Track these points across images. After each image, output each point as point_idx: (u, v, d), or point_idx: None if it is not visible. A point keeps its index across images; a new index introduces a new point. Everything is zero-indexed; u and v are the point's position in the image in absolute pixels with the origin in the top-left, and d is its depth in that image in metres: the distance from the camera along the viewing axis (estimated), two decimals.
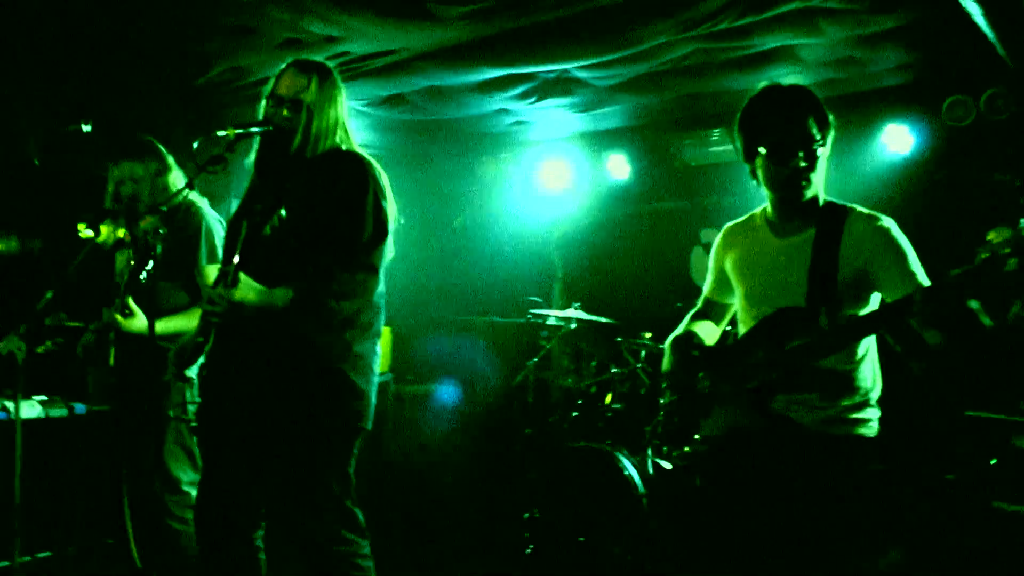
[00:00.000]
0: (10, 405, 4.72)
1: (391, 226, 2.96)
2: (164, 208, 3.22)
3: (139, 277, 3.30)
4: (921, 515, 4.15)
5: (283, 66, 3.02)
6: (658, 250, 6.43)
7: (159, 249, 3.17)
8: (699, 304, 3.05)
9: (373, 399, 2.96)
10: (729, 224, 2.93)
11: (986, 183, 4.98)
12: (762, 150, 2.60)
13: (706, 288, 3.02)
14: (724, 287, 2.91)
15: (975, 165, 5.02)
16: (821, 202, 2.65)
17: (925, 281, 2.47)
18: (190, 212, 3.83)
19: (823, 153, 2.59)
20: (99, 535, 4.98)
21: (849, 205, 2.63)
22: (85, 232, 3.86)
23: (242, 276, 2.63)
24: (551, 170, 6.50)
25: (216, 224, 3.86)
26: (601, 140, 6.35)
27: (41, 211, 5.97)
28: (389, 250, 2.99)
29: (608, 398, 5.23)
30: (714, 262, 2.95)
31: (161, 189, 3.81)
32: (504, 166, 6.76)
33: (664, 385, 2.93)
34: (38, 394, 5.11)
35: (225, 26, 4.38)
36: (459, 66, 4.83)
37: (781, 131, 2.56)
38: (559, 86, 5.23)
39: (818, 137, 2.56)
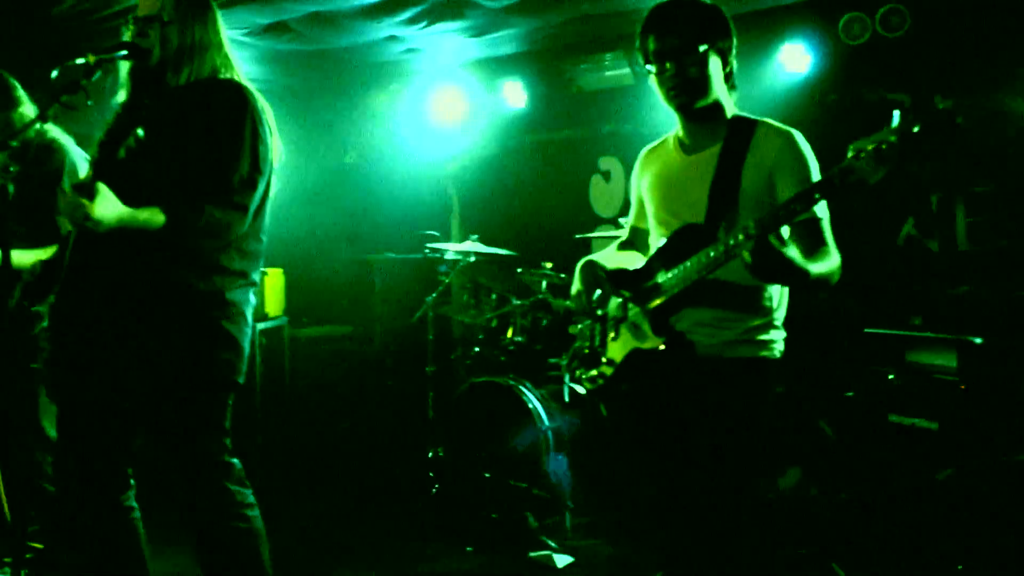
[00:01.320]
0: None
1: (270, 165, 2.76)
2: (14, 144, 2.94)
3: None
4: (823, 433, 4.19)
5: None
6: (557, 179, 6.32)
7: (11, 188, 2.91)
8: (626, 233, 2.99)
9: (247, 351, 2.77)
10: (646, 147, 2.88)
11: (879, 102, 4.99)
12: (649, 67, 2.57)
13: (630, 215, 2.96)
14: (644, 212, 2.85)
15: (871, 84, 5.01)
16: (729, 116, 2.59)
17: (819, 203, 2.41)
18: (51, 148, 3.56)
19: (714, 63, 2.53)
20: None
21: (759, 119, 2.57)
22: None
23: (102, 188, 2.37)
24: (445, 100, 6.29)
25: (82, 161, 3.58)
26: (496, 67, 6.14)
27: None
28: (269, 190, 2.79)
29: (510, 332, 5.12)
30: (634, 188, 2.90)
31: (2, 125, 3.52)
32: (395, 97, 6.52)
33: (572, 306, 2.86)
34: None
35: None
36: None
37: (658, 43, 2.52)
38: (450, 8, 4.99)
39: (698, 45, 2.48)
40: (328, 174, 7.02)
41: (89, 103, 3.13)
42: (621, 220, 5.05)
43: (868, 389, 4.14)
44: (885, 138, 2.02)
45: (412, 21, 5.14)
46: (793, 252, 2.17)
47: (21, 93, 3.68)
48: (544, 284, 5.04)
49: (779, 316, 2.59)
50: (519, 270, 5.12)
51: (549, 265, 5.09)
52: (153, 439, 2.71)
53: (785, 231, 2.26)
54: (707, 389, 2.52)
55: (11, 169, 2.91)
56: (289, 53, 5.62)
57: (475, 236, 5.28)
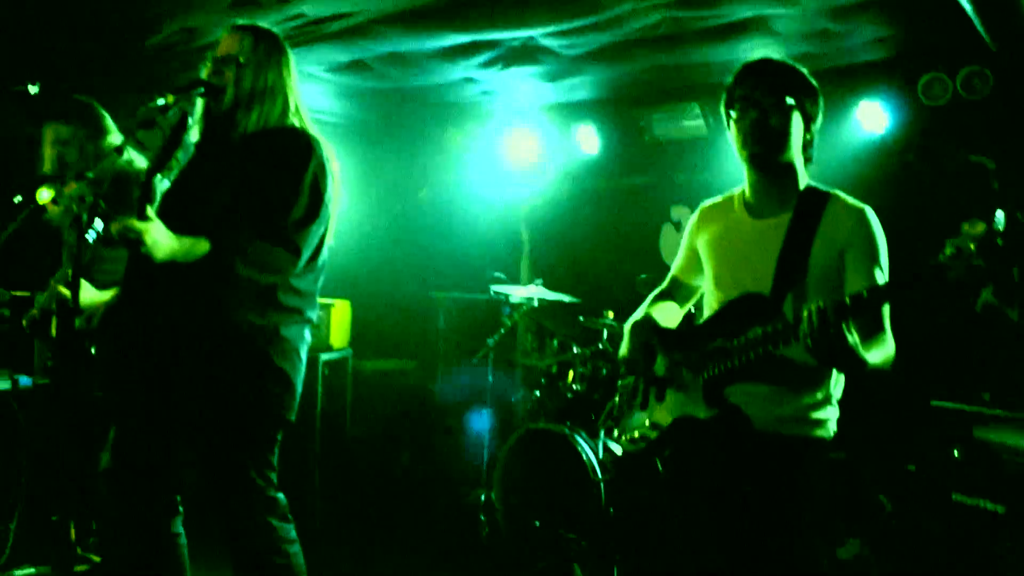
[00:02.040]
0: None
1: (328, 215, 2.84)
2: (90, 174, 3.06)
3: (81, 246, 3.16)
4: (881, 506, 4.06)
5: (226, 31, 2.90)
6: (626, 227, 6.28)
7: (84, 218, 3.02)
8: (665, 283, 2.94)
9: (299, 388, 2.83)
10: (706, 202, 2.82)
11: (960, 165, 4.85)
12: (732, 112, 2.54)
13: (674, 266, 2.92)
14: (694, 267, 2.81)
15: (951, 146, 4.89)
16: (802, 186, 2.54)
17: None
18: (137, 179, 3.66)
19: (796, 122, 2.49)
20: (44, 511, 4.86)
21: (832, 191, 2.51)
22: (41, 199, 3.70)
23: (154, 215, 2.46)
24: (519, 142, 6.33)
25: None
26: (570, 112, 6.17)
27: None
28: (326, 238, 2.89)
29: (569, 378, 5.10)
30: (687, 240, 2.84)
31: (92, 155, 3.67)
32: (471, 137, 6.58)
33: (622, 369, 2.83)
34: None
35: None
36: (419, 31, 4.64)
37: (747, 88, 2.50)
38: (525, 54, 5.05)
39: (785, 96, 2.46)
40: (402, 209, 7.11)
41: (162, 140, 3.27)
42: None
43: (931, 464, 3.99)
44: (990, 240, 1.96)
45: (487, 64, 5.20)
46: (855, 340, 2.12)
47: (109, 123, 3.83)
48: (605, 333, 5.01)
49: (836, 394, 2.52)
50: (580, 318, 5.10)
51: (611, 314, 5.06)
52: (200, 468, 2.76)
53: None
54: (761, 466, 2.45)
55: (87, 199, 3.01)
56: (368, 90, 5.74)
57: (539, 280, 5.28)
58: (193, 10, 4.41)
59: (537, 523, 4.67)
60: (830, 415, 2.49)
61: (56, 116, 3.71)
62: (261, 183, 2.68)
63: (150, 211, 2.46)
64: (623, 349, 2.76)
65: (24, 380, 4.96)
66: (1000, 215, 1.97)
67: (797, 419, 2.44)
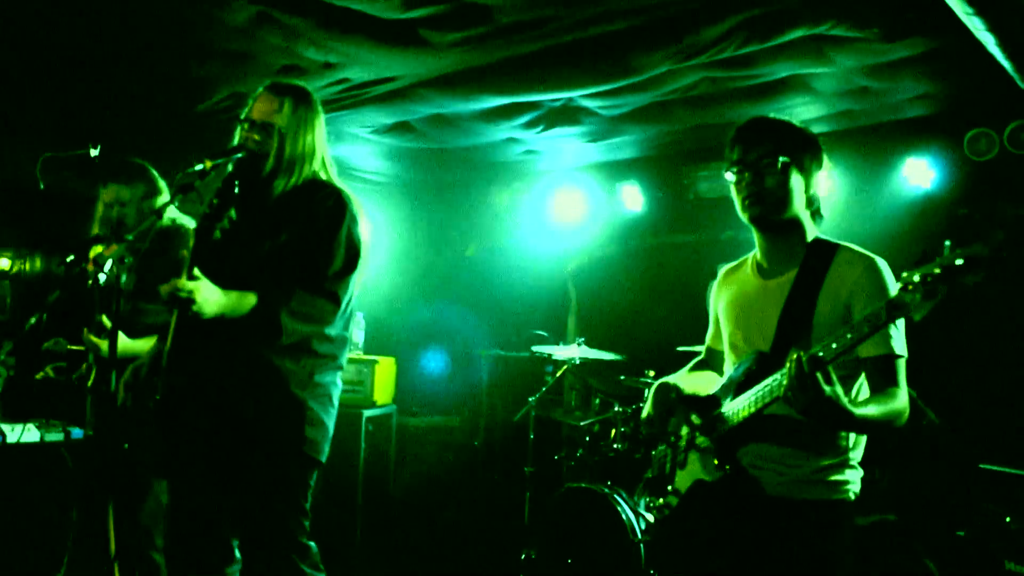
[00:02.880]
0: (5, 428, 4.72)
1: (360, 265, 2.90)
2: (129, 236, 3.17)
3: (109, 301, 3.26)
4: (929, 572, 3.91)
5: (260, 89, 2.96)
6: (673, 284, 6.25)
7: (124, 279, 3.12)
8: (702, 353, 2.91)
9: (331, 431, 2.90)
10: (724, 266, 2.80)
11: (1009, 220, 4.75)
12: (728, 176, 2.52)
13: (707, 336, 2.88)
14: (720, 333, 2.75)
15: (998, 201, 4.80)
16: (810, 239, 2.50)
17: (896, 337, 2.31)
18: (179, 235, 3.85)
19: (796, 180, 2.44)
20: (91, 561, 4.95)
21: (841, 243, 2.47)
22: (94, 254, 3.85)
23: (201, 275, 2.56)
24: (564, 200, 6.37)
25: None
26: (614, 170, 6.21)
27: (46, 234, 6.03)
28: (357, 287, 2.94)
29: (611, 437, 5.06)
30: (711, 307, 2.82)
31: (147, 212, 3.79)
32: (517, 195, 6.65)
33: (642, 430, 2.81)
34: (41, 418, 5.10)
35: (222, 51, 4.33)
36: (460, 94, 4.74)
37: (739, 152, 2.48)
38: (566, 115, 5.12)
39: (779, 156, 2.42)
40: (448, 267, 7.19)
41: (200, 204, 3.38)
42: None
43: (983, 530, 3.85)
44: (930, 270, 1.93)
45: (529, 125, 5.28)
46: (835, 391, 2.06)
47: (163, 184, 3.97)
48: (647, 392, 4.96)
49: (855, 456, 2.43)
50: (622, 377, 5.07)
51: (652, 373, 5.03)
52: (234, 509, 2.83)
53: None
54: (773, 533, 2.37)
55: (126, 260, 3.12)
56: (413, 150, 5.86)
57: (581, 339, 5.27)
58: (242, 76, 4.57)
59: None
60: (849, 477, 2.40)
61: (115, 177, 3.86)
62: (302, 238, 2.77)
63: (198, 271, 2.55)
64: (644, 412, 2.74)
65: (76, 432, 5.10)
66: (946, 244, 1.94)
67: (811, 482, 2.36)
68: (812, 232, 2.53)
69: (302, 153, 2.91)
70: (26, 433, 4.86)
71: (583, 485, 4.76)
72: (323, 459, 2.87)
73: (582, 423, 5.20)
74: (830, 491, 2.38)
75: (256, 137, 2.90)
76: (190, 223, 3.94)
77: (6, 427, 4.73)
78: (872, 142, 5.13)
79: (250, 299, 2.67)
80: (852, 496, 2.41)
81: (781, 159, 2.42)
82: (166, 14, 3.89)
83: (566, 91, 4.71)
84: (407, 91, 4.78)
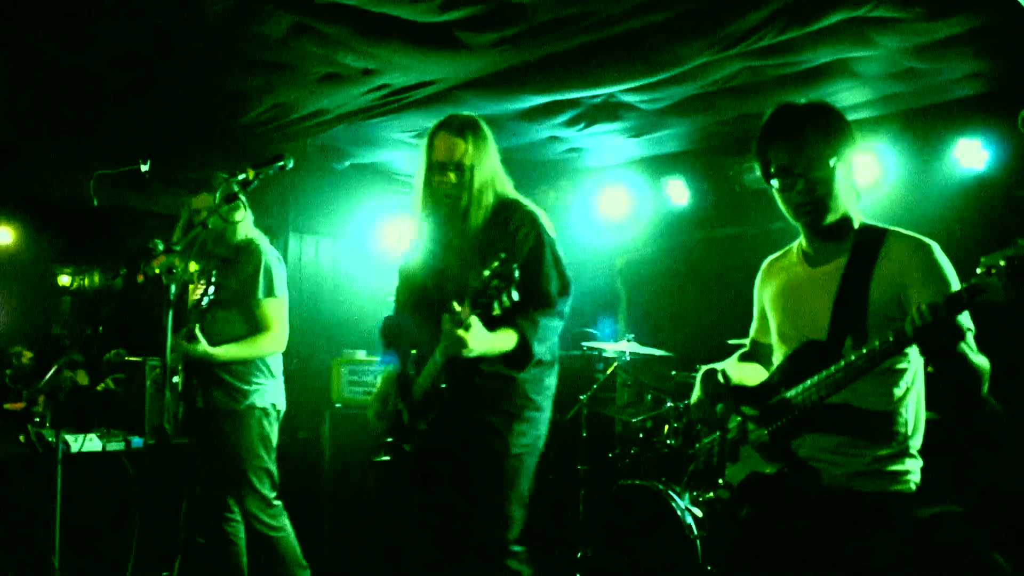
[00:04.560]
0: (69, 438, 4.83)
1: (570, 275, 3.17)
2: (177, 248, 3.24)
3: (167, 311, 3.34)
4: (998, 566, 3.81)
5: (431, 128, 3.14)
6: (721, 278, 6.17)
7: (173, 289, 3.20)
8: (747, 345, 2.87)
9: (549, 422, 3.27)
10: (768, 258, 2.77)
11: None
12: (774, 182, 2.43)
13: (752, 328, 2.84)
14: (766, 325, 2.70)
15: None
16: (856, 225, 2.44)
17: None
18: (249, 250, 4.12)
19: (841, 175, 2.37)
20: (154, 568, 5.05)
21: (889, 228, 2.41)
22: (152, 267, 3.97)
23: (475, 321, 2.77)
24: (610, 197, 6.33)
25: (275, 261, 4.16)
26: (659, 165, 6.15)
27: (103, 249, 6.18)
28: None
29: (664, 432, 5.02)
30: (756, 299, 2.79)
31: (228, 219, 4.00)
32: (563, 194, 6.62)
33: (693, 415, 2.79)
34: (102, 427, 5.23)
35: (262, 62, 4.39)
36: (499, 94, 4.75)
37: (784, 156, 2.38)
38: (606, 111, 5.09)
39: (828, 160, 2.34)
40: None
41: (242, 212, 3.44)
42: None
43: None
44: (1019, 253, 1.87)
45: (570, 123, 5.27)
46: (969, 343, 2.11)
47: (242, 197, 4.12)
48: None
49: (914, 444, 2.38)
50: (673, 372, 5.03)
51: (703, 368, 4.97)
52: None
53: None
54: (833, 526, 2.34)
55: (174, 271, 3.18)
56: None
57: (631, 335, 5.24)
58: (283, 86, 4.63)
59: None
60: (909, 467, 2.36)
61: (205, 186, 4.07)
62: (521, 270, 2.78)
63: (475, 321, 2.77)
64: (693, 398, 2.72)
65: (136, 441, 5.22)
66: None
67: (870, 473, 2.32)
68: (858, 217, 2.47)
69: (488, 180, 3.12)
70: (88, 443, 4.99)
71: (637, 482, 4.74)
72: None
73: (634, 420, 5.17)
74: (889, 482, 2.34)
75: (452, 179, 3.07)
76: (263, 240, 4.22)
77: (70, 438, 4.85)
78: (921, 125, 5.00)
79: (510, 338, 2.94)
80: (913, 486, 2.37)
81: (831, 162, 2.34)
82: (207, 31, 3.96)
83: (605, 87, 4.69)
84: (446, 94, 4.80)
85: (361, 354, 5.74)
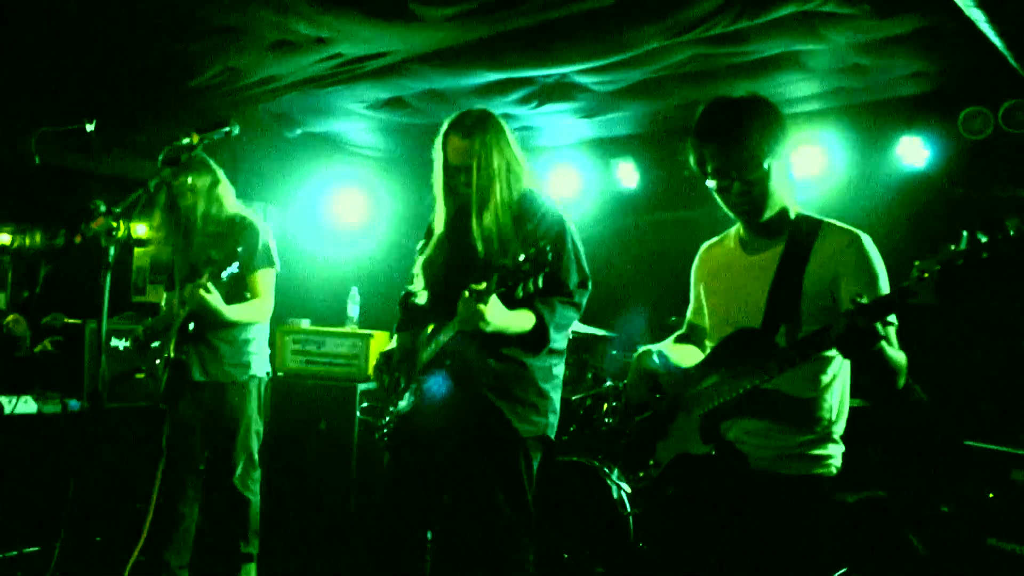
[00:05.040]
0: (3, 399, 4.78)
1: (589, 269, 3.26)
2: (117, 210, 3.21)
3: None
4: (913, 548, 3.95)
5: (443, 128, 3.24)
6: (667, 260, 6.21)
7: (112, 251, 3.17)
8: (683, 327, 2.92)
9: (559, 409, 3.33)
10: (706, 243, 2.82)
11: (1009, 199, 4.75)
12: (710, 183, 2.48)
13: (689, 310, 2.89)
14: (703, 309, 2.76)
15: (994, 180, 4.79)
16: (793, 215, 2.50)
17: None
18: (244, 225, 4.28)
19: (777, 172, 2.42)
20: (90, 530, 5.02)
21: (824, 219, 2.48)
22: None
23: (494, 298, 2.83)
24: (561, 176, 6.36)
25: (270, 234, 4.35)
26: (609, 147, 6.20)
27: (43, 208, 6.06)
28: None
29: (603, 411, 5.09)
30: (693, 282, 2.83)
31: (213, 199, 4.25)
32: None
33: (622, 399, 2.86)
34: (39, 390, 5.17)
35: (213, 26, 4.33)
36: (453, 69, 4.74)
37: (719, 159, 2.41)
38: (560, 91, 5.11)
39: (760, 156, 2.37)
40: None
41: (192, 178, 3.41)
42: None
43: (965, 506, 3.88)
44: (951, 260, 1.94)
45: (523, 101, 5.27)
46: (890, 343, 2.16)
47: (221, 172, 4.36)
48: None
49: (837, 430, 2.47)
50: (613, 351, 5.09)
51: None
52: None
53: None
54: (757, 506, 2.42)
55: (113, 233, 3.15)
56: (408, 126, 5.85)
57: None
58: (234, 51, 4.57)
59: (566, 556, 4.65)
60: (832, 451, 2.45)
61: (186, 168, 4.14)
62: (546, 263, 2.84)
63: (494, 298, 2.84)
64: (628, 376, 2.78)
65: (73, 404, 5.17)
66: (964, 234, 1.95)
67: (793, 456, 2.41)
68: (794, 208, 2.52)
69: (501, 174, 3.16)
70: (23, 404, 4.93)
71: (574, 459, 4.80)
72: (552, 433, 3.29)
73: (574, 397, 5.23)
74: (812, 465, 2.42)
75: (463, 179, 3.15)
76: (255, 217, 4.34)
77: (3, 399, 4.79)
78: (867, 120, 5.12)
79: (528, 319, 3.01)
80: (834, 471, 2.45)
81: (765, 164, 2.37)
82: None
83: (559, 67, 4.71)
84: (400, 66, 4.77)
85: (305, 323, 5.72)
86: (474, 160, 3.12)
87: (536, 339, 3.06)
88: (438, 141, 3.24)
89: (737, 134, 2.37)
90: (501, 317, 2.88)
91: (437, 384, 3.19)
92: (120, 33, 4.43)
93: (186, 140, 3.25)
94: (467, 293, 2.81)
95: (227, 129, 3.31)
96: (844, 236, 2.42)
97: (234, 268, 3.90)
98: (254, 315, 4.28)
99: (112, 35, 4.46)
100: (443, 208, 3.29)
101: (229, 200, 4.32)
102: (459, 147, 3.16)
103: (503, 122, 3.26)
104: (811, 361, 2.34)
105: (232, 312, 4.12)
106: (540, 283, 2.77)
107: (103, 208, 3.51)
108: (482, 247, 3.11)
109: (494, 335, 2.95)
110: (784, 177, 2.47)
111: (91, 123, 5.13)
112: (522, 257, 2.72)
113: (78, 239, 3.29)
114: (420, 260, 3.41)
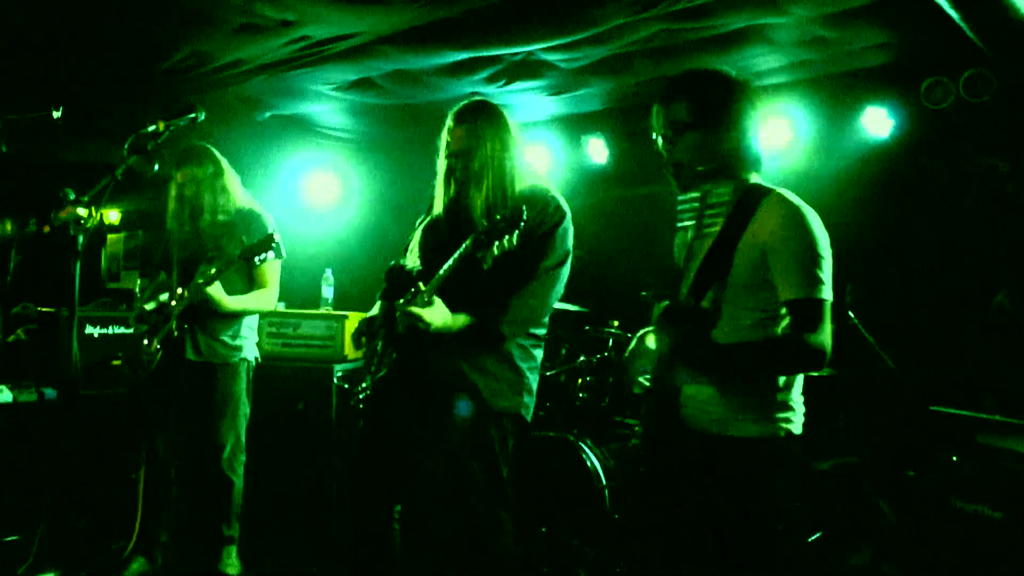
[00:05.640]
0: None
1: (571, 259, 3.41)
2: (85, 199, 3.21)
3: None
4: (882, 512, 4.05)
5: (448, 120, 3.37)
6: (638, 236, 6.28)
7: (81, 239, 3.17)
8: None
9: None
10: None
11: (973, 168, 4.83)
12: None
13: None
14: None
15: (956, 149, 4.87)
16: (748, 184, 2.51)
17: (816, 293, 2.32)
18: (253, 216, 4.41)
19: (708, 137, 2.49)
20: (70, 518, 5.03)
21: (775, 189, 2.47)
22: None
23: (436, 300, 3.02)
24: (531, 154, 6.35)
25: (275, 225, 4.41)
26: (579, 124, 6.22)
27: (11, 197, 6.00)
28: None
29: (578, 385, 5.14)
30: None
31: (219, 189, 4.36)
32: None
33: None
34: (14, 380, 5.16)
35: (180, 10, 4.31)
36: (420, 49, 4.74)
37: (654, 117, 2.59)
38: (527, 69, 5.12)
39: (686, 115, 2.49)
40: (414, 221, 7.18)
41: (156, 167, 3.42)
42: None
43: (931, 470, 3.97)
44: None
45: (491, 80, 5.28)
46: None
47: (224, 163, 4.48)
48: (611, 342, 5.06)
49: (788, 395, 2.46)
50: (587, 327, 5.15)
51: (616, 323, 5.10)
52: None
53: None
54: (707, 470, 2.44)
55: (81, 222, 3.15)
56: (377, 106, 5.85)
57: None
58: (201, 35, 4.55)
59: (543, 529, 4.72)
60: (786, 415, 2.44)
61: (188, 160, 4.33)
62: (526, 221, 3.03)
63: (436, 297, 3.02)
64: (627, 351, 2.83)
65: (49, 392, 5.16)
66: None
67: (738, 420, 2.42)
68: (751, 177, 2.54)
69: (493, 163, 3.28)
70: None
71: (550, 434, 4.85)
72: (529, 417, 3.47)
73: (548, 373, 5.28)
74: (764, 428, 2.43)
75: (458, 164, 3.29)
76: (262, 208, 4.49)
77: None
78: (832, 92, 5.17)
79: (466, 320, 3.14)
80: (782, 433, 2.44)
81: (677, 132, 2.50)
82: None
83: (525, 44, 4.72)
84: (367, 47, 4.77)
85: (280, 306, 5.73)
86: (468, 145, 3.26)
87: (486, 336, 3.18)
88: (444, 129, 3.40)
89: (664, 101, 2.58)
90: (443, 319, 3.05)
91: (412, 353, 3.25)
92: (87, 18, 4.40)
93: (152, 128, 3.24)
94: (409, 294, 2.99)
95: (193, 116, 3.31)
96: (781, 208, 2.40)
97: (267, 255, 4.02)
98: (261, 304, 4.43)
99: (79, 20, 4.43)
100: (442, 190, 3.40)
101: (237, 191, 4.45)
102: (455, 133, 3.30)
103: (503, 112, 3.40)
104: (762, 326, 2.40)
105: (235, 302, 4.24)
106: (515, 241, 2.89)
107: (72, 196, 3.52)
108: (477, 227, 3.19)
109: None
110: (718, 146, 2.50)
111: (57, 110, 5.10)
112: (498, 217, 2.85)
113: (47, 228, 3.29)
114: (416, 235, 3.55)
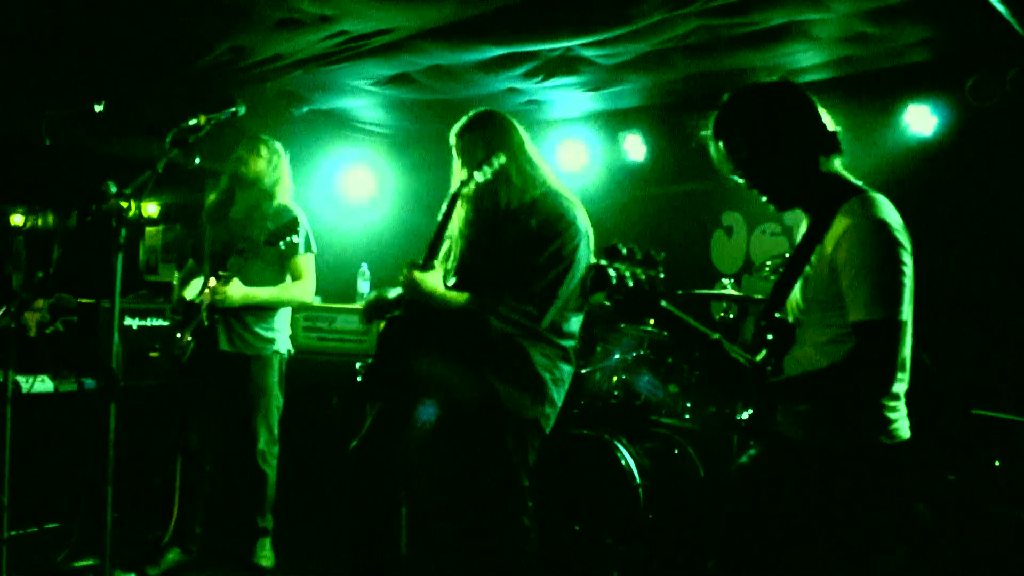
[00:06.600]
0: (20, 379, 4.84)
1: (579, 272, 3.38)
2: (127, 191, 3.24)
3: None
4: (919, 515, 3.98)
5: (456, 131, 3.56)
6: (675, 233, 6.25)
7: (123, 232, 3.20)
8: None
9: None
10: None
11: (1018, 166, 4.73)
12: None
13: None
14: None
15: (1001, 147, 4.77)
16: (833, 189, 2.40)
17: (873, 314, 2.18)
18: (287, 213, 4.45)
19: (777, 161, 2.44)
20: (103, 510, 5.09)
21: (865, 192, 2.35)
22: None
23: (429, 273, 3.24)
24: (568, 150, 6.35)
25: (304, 218, 4.53)
26: (616, 120, 6.17)
27: (54, 189, 6.11)
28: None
29: (613, 383, 5.12)
30: None
31: (277, 176, 4.53)
32: None
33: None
34: (56, 370, 5.23)
35: (220, 5, 4.34)
36: (457, 45, 4.74)
37: (715, 163, 2.59)
38: (564, 64, 5.10)
39: (742, 152, 2.48)
40: None
41: (197, 160, 3.45)
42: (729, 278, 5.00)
43: (972, 474, 3.90)
44: None
45: (528, 75, 5.26)
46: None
47: (280, 153, 4.64)
48: (647, 340, 5.03)
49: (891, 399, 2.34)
50: (622, 325, 5.12)
51: (652, 321, 5.05)
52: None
53: None
54: (810, 483, 2.38)
55: (125, 215, 3.19)
56: (415, 102, 5.86)
57: None
58: (239, 30, 4.58)
59: (577, 528, 4.70)
60: (879, 418, 2.32)
61: (248, 147, 4.50)
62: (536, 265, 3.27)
63: (436, 263, 3.28)
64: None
65: (89, 383, 5.23)
66: None
67: (832, 429, 2.34)
68: (835, 166, 2.47)
69: (500, 171, 3.40)
70: (40, 384, 5.00)
71: (584, 432, 4.84)
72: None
73: (583, 371, 5.26)
74: (857, 436, 2.35)
75: (464, 175, 3.41)
76: (295, 206, 4.58)
77: (20, 378, 4.86)
78: (874, 89, 5.08)
79: (462, 297, 3.28)
80: (893, 438, 2.36)
81: (743, 161, 2.49)
82: None
83: (563, 40, 4.69)
84: (405, 43, 4.77)
85: (317, 301, 5.76)
86: (466, 152, 3.46)
87: (474, 322, 3.24)
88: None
89: (721, 135, 2.62)
90: (434, 285, 3.23)
91: (433, 360, 3.36)
92: (129, 13, 4.45)
93: (193, 121, 3.29)
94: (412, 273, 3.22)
95: (233, 109, 3.36)
96: (848, 218, 2.25)
97: (292, 238, 4.12)
98: (294, 296, 4.51)
99: (121, 16, 4.48)
100: (458, 199, 3.49)
101: (285, 192, 4.56)
102: (455, 144, 3.53)
103: (508, 120, 3.56)
104: (834, 343, 2.30)
105: (263, 295, 4.37)
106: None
107: (114, 189, 3.56)
108: (474, 244, 3.42)
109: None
110: (793, 159, 2.43)
111: (100, 104, 5.16)
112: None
113: (89, 220, 3.33)
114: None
